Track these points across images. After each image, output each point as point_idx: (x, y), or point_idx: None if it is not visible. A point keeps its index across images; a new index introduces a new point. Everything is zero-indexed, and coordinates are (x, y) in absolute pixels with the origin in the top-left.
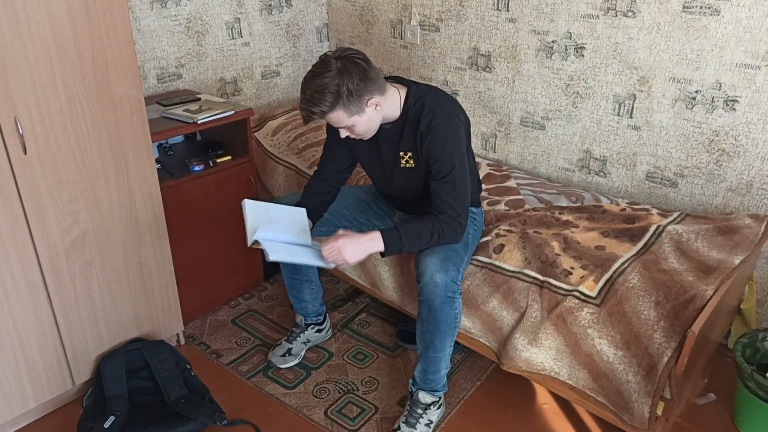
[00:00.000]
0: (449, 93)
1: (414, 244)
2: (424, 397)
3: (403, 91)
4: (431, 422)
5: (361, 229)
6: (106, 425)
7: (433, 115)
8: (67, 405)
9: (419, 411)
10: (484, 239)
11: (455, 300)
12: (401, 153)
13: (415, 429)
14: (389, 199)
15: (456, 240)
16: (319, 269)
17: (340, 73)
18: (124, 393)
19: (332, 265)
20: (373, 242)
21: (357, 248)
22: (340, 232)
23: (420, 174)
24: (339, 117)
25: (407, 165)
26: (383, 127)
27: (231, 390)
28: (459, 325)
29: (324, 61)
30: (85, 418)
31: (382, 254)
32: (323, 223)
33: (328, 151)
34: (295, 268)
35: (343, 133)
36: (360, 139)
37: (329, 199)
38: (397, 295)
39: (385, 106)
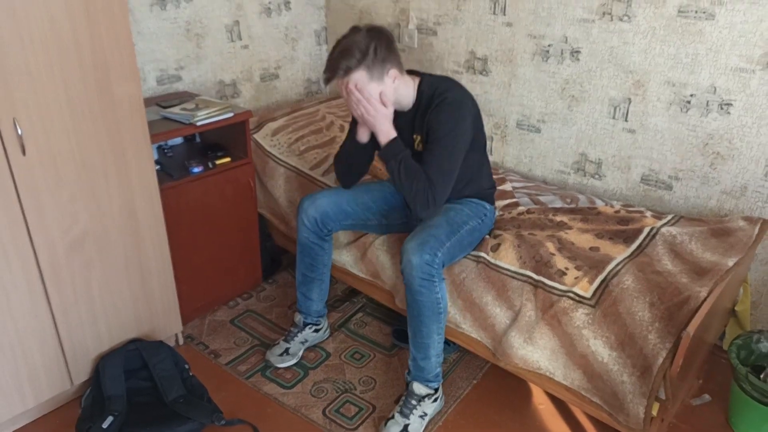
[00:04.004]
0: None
1: (402, 173)
2: (419, 387)
3: (417, 81)
4: (425, 414)
5: (381, 221)
6: (105, 425)
7: (442, 98)
8: (66, 405)
9: (413, 402)
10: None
11: (434, 283)
12: (414, 135)
13: (408, 419)
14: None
15: (422, 213)
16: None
17: (370, 35)
18: (122, 393)
19: None
20: (384, 133)
21: (379, 122)
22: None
23: None
24: (360, 79)
25: (418, 148)
26: (399, 113)
27: (229, 390)
28: (445, 312)
29: (354, 28)
30: (84, 418)
31: (378, 150)
32: (349, 216)
33: (353, 133)
34: (311, 266)
35: (356, 110)
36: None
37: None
38: (399, 283)
39: (401, 86)
